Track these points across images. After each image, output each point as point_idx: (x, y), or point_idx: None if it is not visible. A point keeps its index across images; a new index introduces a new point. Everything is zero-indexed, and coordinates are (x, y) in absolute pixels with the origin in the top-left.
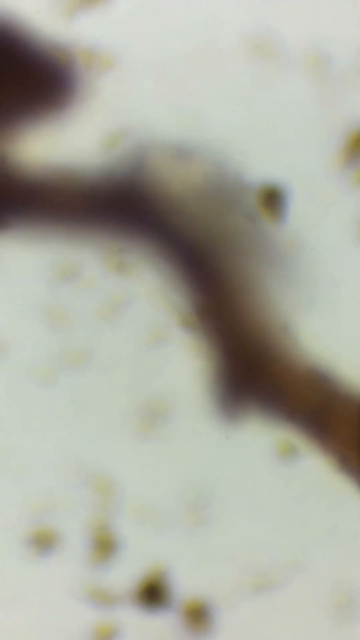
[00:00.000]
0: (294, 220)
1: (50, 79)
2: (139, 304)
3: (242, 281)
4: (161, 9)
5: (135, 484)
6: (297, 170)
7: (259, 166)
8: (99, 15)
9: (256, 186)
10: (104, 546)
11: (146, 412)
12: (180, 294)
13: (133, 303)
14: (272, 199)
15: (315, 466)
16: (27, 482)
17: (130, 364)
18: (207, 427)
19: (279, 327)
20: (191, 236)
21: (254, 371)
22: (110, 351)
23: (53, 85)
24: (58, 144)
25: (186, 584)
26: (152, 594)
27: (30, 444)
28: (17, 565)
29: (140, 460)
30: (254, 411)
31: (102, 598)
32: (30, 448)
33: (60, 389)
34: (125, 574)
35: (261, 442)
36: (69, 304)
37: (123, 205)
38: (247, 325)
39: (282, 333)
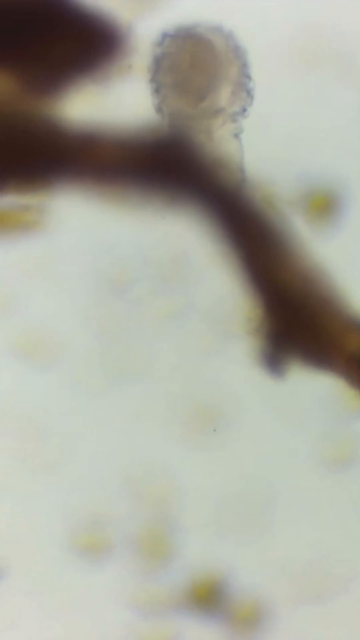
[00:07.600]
0: (347, 228)
1: (98, 38)
2: (193, 312)
3: (284, 236)
4: (219, 11)
5: (190, 491)
6: (350, 176)
7: (313, 171)
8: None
9: (309, 192)
10: (158, 553)
11: (201, 420)
12: (224, 246)
13: (188, 312)
14: (325, 205)
15: None
16: (82, 490)
17: (185, 372)
18: (264, 435)
19: (324, 279)
20: (228, 187)
21: (298, 322)
22: (165, 360)
23: (101, 44)
24: (105, 103)
25: (241, 590)
26: (207, 600)
27: (85, 453)
28: (71, 573)
29: (196, 468)
30: (298, 362)
31: (156, 606)
32: (84, 457)
33: (115, 397)
34: (179, 581)
35: (320, 448)
36: (122, 313)
37: (168, 166)
38: (290, 276)
39: (326, 284)
